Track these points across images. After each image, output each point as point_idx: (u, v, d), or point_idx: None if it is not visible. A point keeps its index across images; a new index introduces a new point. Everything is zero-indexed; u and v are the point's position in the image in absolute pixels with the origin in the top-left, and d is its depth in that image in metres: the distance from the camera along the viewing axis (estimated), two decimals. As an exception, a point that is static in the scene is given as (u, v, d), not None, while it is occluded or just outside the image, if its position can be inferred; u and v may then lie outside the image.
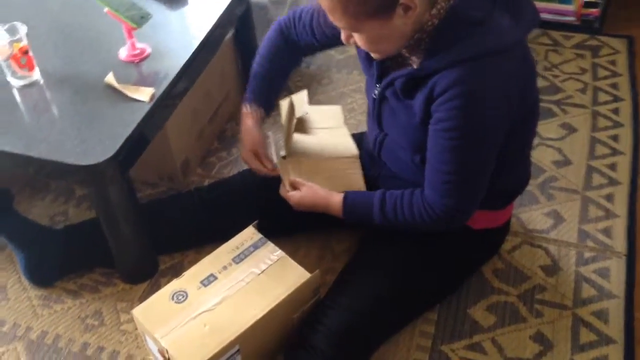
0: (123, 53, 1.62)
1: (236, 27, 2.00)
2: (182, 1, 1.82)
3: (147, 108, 1.48)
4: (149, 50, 1.63)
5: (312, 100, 2.13)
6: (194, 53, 1.64)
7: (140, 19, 1.55)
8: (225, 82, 2.04)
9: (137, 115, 1.46)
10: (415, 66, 1.27)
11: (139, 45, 1.63)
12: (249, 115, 1.58)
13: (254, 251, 1.48)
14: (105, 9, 1.53)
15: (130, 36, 1.60)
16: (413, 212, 1.37)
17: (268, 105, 1.62)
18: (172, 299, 1.39)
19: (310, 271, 1.41)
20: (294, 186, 1.52)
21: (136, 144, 1.47)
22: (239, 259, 1.46)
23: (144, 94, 1.51)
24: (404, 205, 1.38)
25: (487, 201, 1.38)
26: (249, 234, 1.51)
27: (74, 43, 1.70)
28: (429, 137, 1.30)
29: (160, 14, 1.75)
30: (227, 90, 2.06)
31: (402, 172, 1.47)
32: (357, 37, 1.24)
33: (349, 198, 1.45)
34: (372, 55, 1.32)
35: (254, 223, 1.53)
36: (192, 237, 1.70)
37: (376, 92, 1.40)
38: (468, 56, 1.18)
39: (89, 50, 1.67)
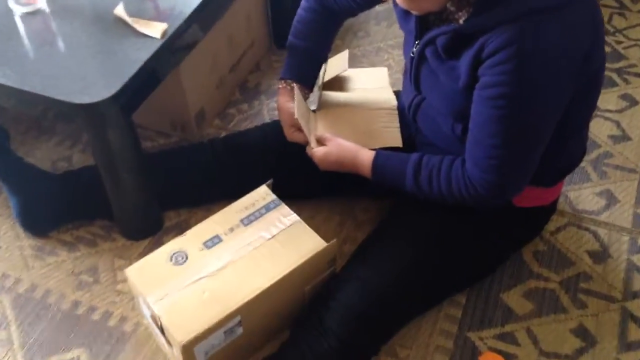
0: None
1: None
2: None
3: (157, 45, 1.32)
4: (164, -17, 1.46)
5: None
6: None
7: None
8: (251, 28, 1.86)
9: (145, 53, 1.30)
10: (461, 22, 1.09)
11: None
12: (283, 91, 1.44)
13: (265, 213, 1.32)
14: None
15: (145, -35, 1.43)
16: (451, 185, 1.20)
17: (306, 80, 1.46)
18: (171, 259, 1.24)
19: (327, 239, 1.26)
20: (320, 142, 1.35)
21: (142, 85, 1.31)
22: (248, 220, 1.31)
23: (156, 30, 1.34)
24: (441, 175, 1.21)
25: (535, 177, 1.20)
26: (262, 194, 1.35)
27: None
28: (473, 105, 1.14)
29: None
30: (252, 37, 1.88)
31: (440, 141, 1.30)
32: None
33: (381, 157, 1.28)
34: (412, 11, 1.14)
35: (268, 182, 1.37)
36: (202, 194, 1.55)
37: (414, 50, 1.22)
38: (524, 11, 1.02)
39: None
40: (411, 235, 1.30)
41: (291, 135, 1.40)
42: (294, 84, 1.43)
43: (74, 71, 1.28)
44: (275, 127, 1.48)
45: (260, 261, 1.24)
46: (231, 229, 1.29)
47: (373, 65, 1.93)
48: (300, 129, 1.38)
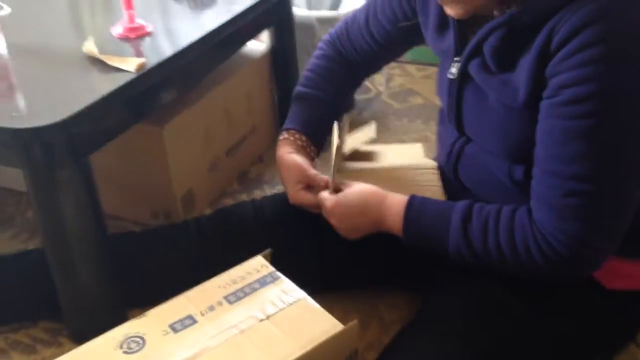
0: (117, 28, 1.23)
1: (273, 45, 1.61)
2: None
3: (129, 78, 1.06)
4: (150, 28, 1.23)
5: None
6: (204, 37, 1.22)
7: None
8: (254, 111, 1.61)
9: (111, 84, 1.03)
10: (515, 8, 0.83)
11: (139, 21, 1.24)
12: (285, 142, 1.13)
13: (259, 289, 0.96)
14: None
15: (129, 6, 1.21)
16: (514, 239, 0.87)
17: (314, 133, 1.14)
18: (122, 346, 0.87)
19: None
20: (337, 189, 1.03)
21: (104, 122, 1.03)
22: (235, 297, 0.94)
23: (130, 64, 1.09)
24: (500, 225, 0.88)
25: (631, 244, 0.88)
26: (256, 266, 1.00)
27: (58, 15, 1.32)
28: (540, 123, 0.84)
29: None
30: (254, 121, 1.62)
31: (493, 196, 0.97)
32: None
33: (417, 201, 0.96)
34: (451, 10, 0.88)
35: (265, 252, 1.02)
36: (182, 283, 1.18)
37: (454, 69, 0.95)
38: None
39: (76, 23, 1.29)
40: (452, 320, 0.93)
41: (296, 194, 1.07)
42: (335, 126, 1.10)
43: (21, 99, 1.01)
44: (274, 200, 1.17)
45: (247, 350, 0.86)
46: (210, 308, 0.93)
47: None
48: (307, 187, 1.06)
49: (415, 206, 0.94)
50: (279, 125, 1.71)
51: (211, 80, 1.44)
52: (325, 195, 1.01)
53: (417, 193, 1.01)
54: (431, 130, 1.75)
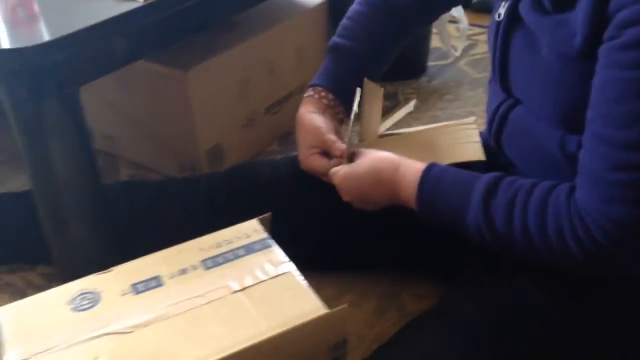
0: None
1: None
2: None
3: (133, 6, 0.93)
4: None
5: (426, 118, 1.51)
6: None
7: None
8: (304, 66, 1.46)
9: (110, 12, 0.92)
10: None
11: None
12: (308, 100, 0.96)
13: (244, 256, 0.82)
14: None
15: None
16: (545, 221, 0.70)
17: (343, 92, 0.97)
18: (72, 302, 0.76)
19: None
20: (351, 159, 0.88)
21: (96, 51, 0.91)
22: (213, 262, 0.81)
23: (140, -8, 0.97)
24: (530, 203, 0.71)
25: None
26: (247, 229, 0.86)
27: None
28: (595, 76, 0.66)
29: None
30: (304, 79, 1.47)
31: (541, 176, 0.77)
32: None
33: (437, 168, 0.79)
34: None
35: (264, 215, 0.88)
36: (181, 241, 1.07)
37: (502, 11, 0.77)
38: None
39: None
40: (462, 313, 0.77)
41: (307, 159, 0.92)
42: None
43: (4, 23, 0.91)
44: (292, 161, 1.03)
45: (208, 323, 0.73)
46: (182, 271, 0.80)
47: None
48: (322, 153, 0.91)
49: (434, 174, 0.77)
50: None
51: (254, 26, 1.31)
52: (335, 168, 0.86)
53: (453, 153, 0.86)
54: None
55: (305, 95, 0.98)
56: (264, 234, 0.86)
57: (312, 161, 0.92)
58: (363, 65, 0.99)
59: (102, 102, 1.30)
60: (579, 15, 0.66)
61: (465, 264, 0.87)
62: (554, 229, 0.68)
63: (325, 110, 0.95)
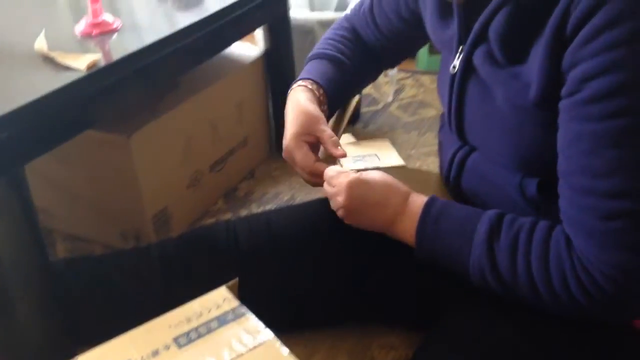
0: (80, 25, 1.08)
1: (268, 48, 1.45)
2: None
3: (75, 77, 0.91)
4: (117, 24, 1.09)
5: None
6: (175, 35, 1.07)
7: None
8: (245, 121, 1.45)
9: (54, 84, 0.88)
10: None
11: (107, 16, 1.09)
12: (302, 89, 0.93)
13: (217, 328, 0.79)
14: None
15: (95, 0, 1.06)
16: (547, 266, 0.70)
17: (331, 95, 0.95)
18: (38, 399, 0.71)
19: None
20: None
21: (42, 126, 0.87)
22: (187, 339, 0.77)
23: (82, 61, 0.94)
24: (533, 244, 0.71)
25: None
26: (217, 299, 0.83)
27: (23, 12, 1.19)
28: (561, 130, 0.68)
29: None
30: (245, 133, 1.47)
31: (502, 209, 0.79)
32: None
33: (439, 202, 0.79)
34: None
35: (231, 282, 0.85)
36: (141, 318, 1.01)
37: (456, 62, 0.79)
38: None
39: (41, 19, 1.15)
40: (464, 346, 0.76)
41: (294, 148, 0.87)
42: None
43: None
44: (248, 223, 1.00)
45: (193, 407, 0.69)
46: (154, 353, 0.76)
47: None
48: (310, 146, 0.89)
49: (437, 207, 0.77)
50: (273, 137, 1.57)
51: (193, 86, 1.29)
52: (332, 168, 0.84)
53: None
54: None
55: (294, 86, 0.95)
56: (235, 302, 0.83)
57: (299, 151, 0.87)
58: (349, 76, 0.99)
59: (35, 173, 1.24)
60: (533, 69, 0.68)
61: (440, 311, 0.87)
62: (558, 280, 0.68)
63: (316, 102, 0.92)
